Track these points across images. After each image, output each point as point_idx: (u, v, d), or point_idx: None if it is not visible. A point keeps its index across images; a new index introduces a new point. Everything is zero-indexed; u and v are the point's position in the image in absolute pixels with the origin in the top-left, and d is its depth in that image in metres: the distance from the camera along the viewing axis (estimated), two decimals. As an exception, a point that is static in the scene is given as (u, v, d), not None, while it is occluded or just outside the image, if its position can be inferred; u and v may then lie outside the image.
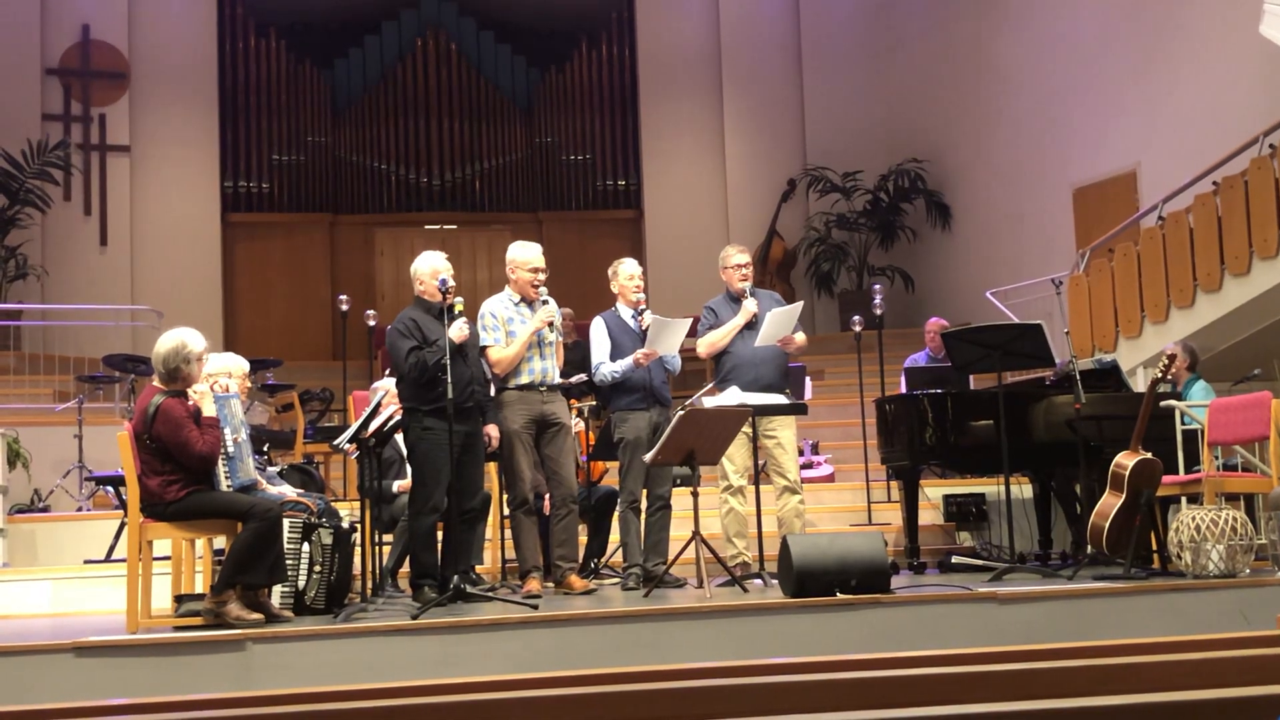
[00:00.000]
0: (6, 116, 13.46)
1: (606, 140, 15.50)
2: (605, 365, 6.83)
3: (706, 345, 7.18)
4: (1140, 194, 11.78)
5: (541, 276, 6.62)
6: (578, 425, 7.49)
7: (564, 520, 6.56)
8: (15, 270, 13.06)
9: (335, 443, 6.41)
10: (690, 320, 6.96)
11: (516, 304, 6.63)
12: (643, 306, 6.93)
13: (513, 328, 6.56)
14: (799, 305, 7.26)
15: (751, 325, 7.04)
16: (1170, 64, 11.57)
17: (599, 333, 6.91)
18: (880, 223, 14.69)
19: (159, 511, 5.52)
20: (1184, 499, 6.95)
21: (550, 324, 6.55)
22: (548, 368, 6.60)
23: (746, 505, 6.98)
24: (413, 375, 6.14)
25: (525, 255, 6.68)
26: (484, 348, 6.57)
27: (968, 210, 14.29)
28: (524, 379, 6.54)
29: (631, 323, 6.94)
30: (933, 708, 2.81)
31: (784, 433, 7.01)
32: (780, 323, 6.95)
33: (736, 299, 7.17)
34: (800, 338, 7.13)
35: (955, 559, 7.75)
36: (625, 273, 7.04)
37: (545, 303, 6.61)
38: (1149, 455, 6.40)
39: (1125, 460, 6.38)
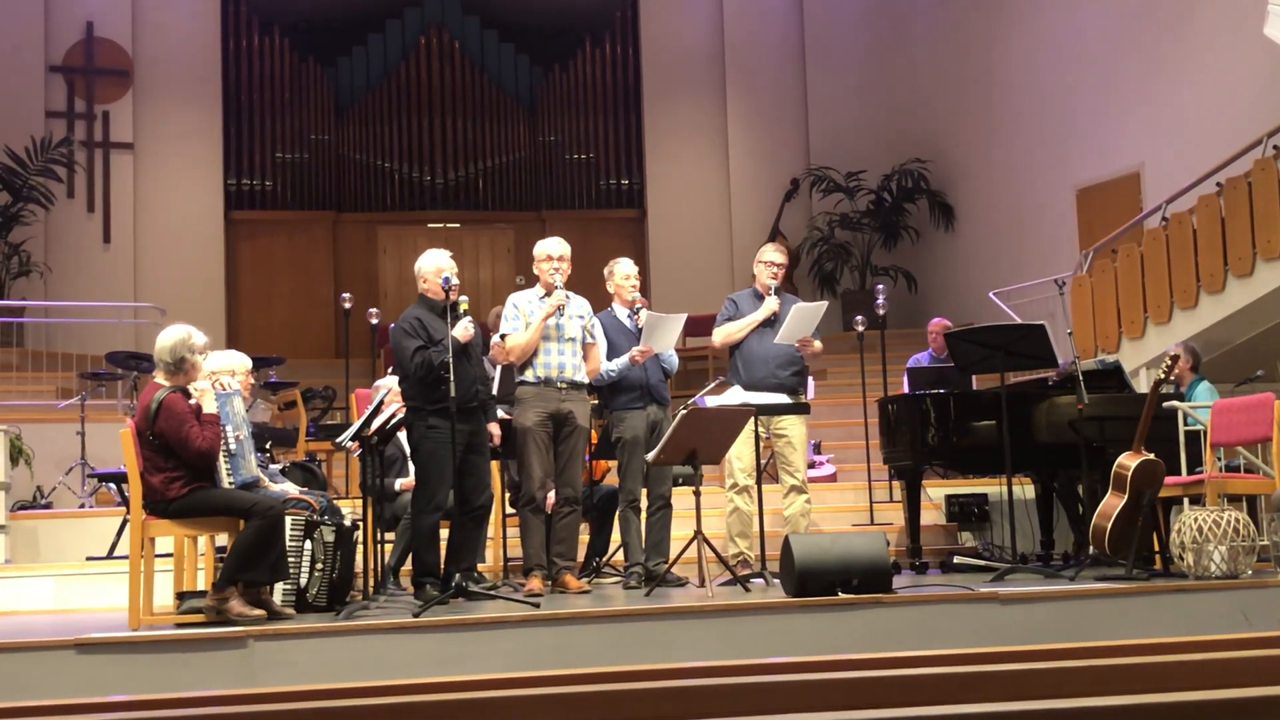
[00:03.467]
0: (10, 113, 13.47)
1: (610, 139, 15.49)
2: (602, 364, 6.83)
3: (722, 335, 7.18)
4: (1144, 195, 11.77)
5: (555, 265, 6.58)
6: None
7: (565, 519, 6.57)
8: (18, 267, 13.08)
9: (338, 440, 6.41)
10: (684, 316, 6.95)
11: (541, 297, 6.63)
12: (638, 305, 6.92)
13: (532, 320, 6.57)
14: (823, 304, 7.25)
15: (771, 324, 7.04)
16: (1174, 65, 11.56)
17: (595, 333, 6.91)
18: (883, 223, 14.68)
19: (161, 508, 5.52)
20: (1186, 500, 6.93)
21: (561, 309, 6.51)
22: (565, 363, 6.58)
23: (751, 505, 6.97)
24: (418, 374, 6.13)
25: (540, 246, 6.71)
26: (502, 335, 6.60)
27: (971, 210, 14.28)
28: (539, 371, 6.54)
29: (627, 322, 6.94)
30: (934, 708, 2.81)
31: (794, 430, 7.01)
32: (803, 318, 6.94)
33: (761, 296, 7.16)
34: (818, 345, 7.12)
35: (957, 559, 7.76)
36: (621, 272, 7.03)
37: (568, 296, 6.60)
38: (1151, 456, 6.39)
39: (1128, 461, 6.37)
